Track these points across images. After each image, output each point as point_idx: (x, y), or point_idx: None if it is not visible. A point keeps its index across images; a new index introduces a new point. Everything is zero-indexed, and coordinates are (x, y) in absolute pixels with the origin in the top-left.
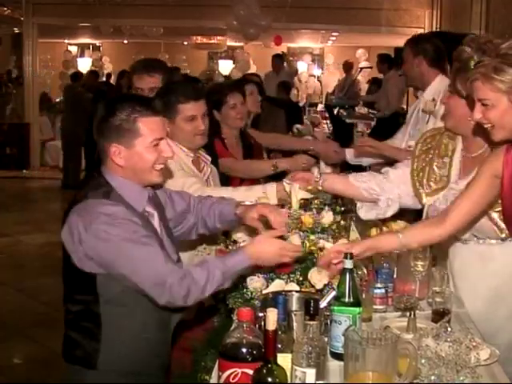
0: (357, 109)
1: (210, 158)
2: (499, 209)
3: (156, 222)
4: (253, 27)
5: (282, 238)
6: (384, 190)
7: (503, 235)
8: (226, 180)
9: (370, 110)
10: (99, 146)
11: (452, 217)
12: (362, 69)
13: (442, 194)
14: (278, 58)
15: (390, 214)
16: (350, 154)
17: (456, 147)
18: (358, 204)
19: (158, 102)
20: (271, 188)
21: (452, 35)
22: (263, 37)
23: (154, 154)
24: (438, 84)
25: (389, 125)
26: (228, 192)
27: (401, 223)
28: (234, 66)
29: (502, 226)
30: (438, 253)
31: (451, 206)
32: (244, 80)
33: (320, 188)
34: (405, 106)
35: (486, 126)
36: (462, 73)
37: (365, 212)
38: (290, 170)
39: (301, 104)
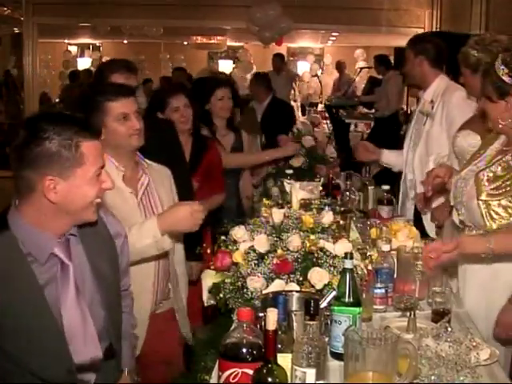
0: (356, 109)
1: (147, 162)
2: (495, 199)
3: (69, 273)
4: (271, 30)
5: None
6: None
7: (489, 226)
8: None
9: (367, 110)
10: (18, 177)
11: None
12: (361, 69)
13: (464, 172)
14: (279, 58)
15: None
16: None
17: (498, 139)
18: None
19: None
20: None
21: (452, 35)
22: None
23: (96, 186)
24: (438, 85)
25: (388, 125)
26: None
27: (400, 223)
28: (234, 65)
29: (494, 216)
30: None
31: None
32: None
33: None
34: (405, 106)
35: None
36: (489, 76)
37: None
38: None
39: (298, 103)
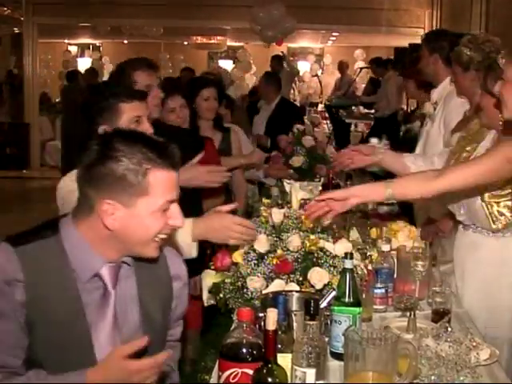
0: (356, 109)
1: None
2: (500, 200)
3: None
4: (275, 29)
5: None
6: None
7: (495, 226)
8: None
9: (367, 110)
10: (81, 192)
11: (449, 175)
12: (361, 69)
13: None
14: (277, 60)
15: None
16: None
17: (489, 136)
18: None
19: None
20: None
21: (452, 35)
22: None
23: (161, 221)
24: (444, 86)
25: (387, 124)
26: None
27: (400, 223)
28: (233, 66)
29: (498, 216)
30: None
31: (452, 166)
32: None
33: (377, 160)
34: (404, 106)
35: (501, 101)
36: (492, 71)
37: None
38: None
39: (297, 103)
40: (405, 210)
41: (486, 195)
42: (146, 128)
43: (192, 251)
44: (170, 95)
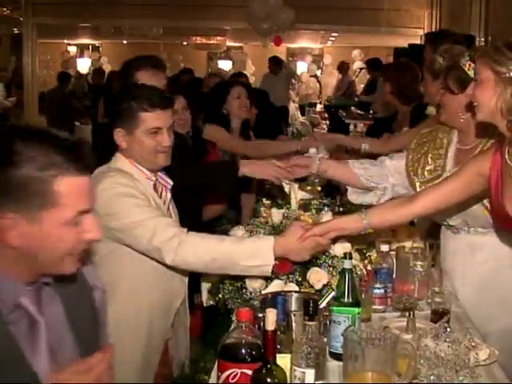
0: (355, 109)
1: (170, 182)
2: None
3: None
4: (270, 22)
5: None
6: (381, 177)
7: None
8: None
9: (361, 112)
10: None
11: (422, 200)
12: (361, 69)
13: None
14: (274, 61)
15: (383, 201)
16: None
17: (452, 140)
18: (349, 189)
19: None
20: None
21: (453, 35)
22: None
23: (73, 233)
24: None
25: (386, 124)
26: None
27: None
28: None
29: None
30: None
31: (424, 190)
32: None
33: (316, 172)
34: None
35: (474, 104)
36: (453, 70)
37: (357, 196)
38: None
39: (296, 104)
40: None
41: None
42: (164, 140)
43: (269, 270)
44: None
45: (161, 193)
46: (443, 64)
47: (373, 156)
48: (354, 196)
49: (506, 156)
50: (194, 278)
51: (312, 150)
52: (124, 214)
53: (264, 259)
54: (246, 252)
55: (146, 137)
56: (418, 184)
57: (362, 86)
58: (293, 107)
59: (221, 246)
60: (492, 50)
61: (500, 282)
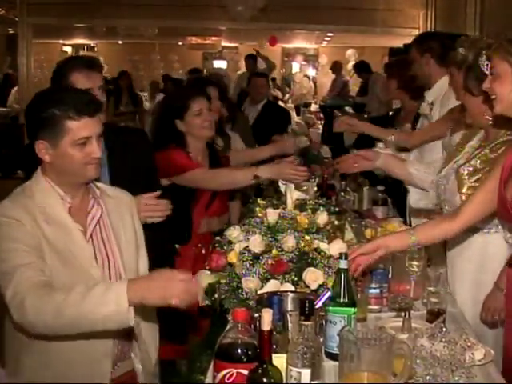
0: (348, 109)
1: (100, 188)
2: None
3: None
4: (245, 4)
5: None
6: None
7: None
8: (193, 194)
9: (352, 111)
10: None
11: (465, 210)
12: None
13: (444, 170)
14: (250, 58)
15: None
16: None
17: (476, 135)
18: (411, 190)
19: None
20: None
21: (448, 36)
22: (258, 37)
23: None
24: (441, 86)
25: (381, 124)
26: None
27: (395, 223)
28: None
29: None
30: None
31: (465, 202)
32: (203, 81)
33: (379, 165)
34: (399, 104)
35: (492, 98)
36: (472, 71)
37: (416, 201)
38: (273, 179)
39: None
40: (400, 212)
41: (465, 187)
42: (94, 151)
43: (128, 319)
44: (194, 97)
45: (90, 209)
46: (465, 54)
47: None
48: (412, 201)
49: None
50: None
51: (380, 145)
52: None
53: (115, 302)
54: (94, 300)
55: (73, 149)
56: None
57: (357, 86)
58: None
59: (64, 298)
60: (506, 43)
61: (487, 281)
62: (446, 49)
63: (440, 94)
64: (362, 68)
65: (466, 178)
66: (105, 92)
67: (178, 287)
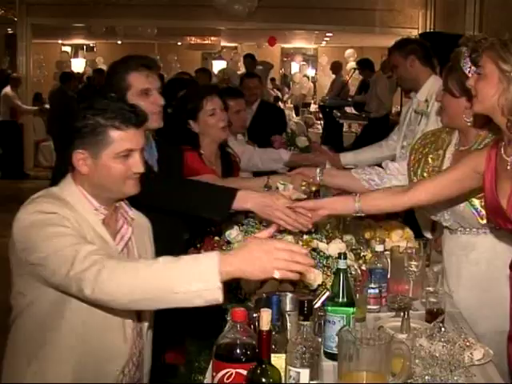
0: (347, 109)
1: (132, 216)
2: (480, 194)
3: None
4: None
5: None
6: (383, 180)
7: (483, 221)
8: None
9: (355, 112)
10: None
11: (418, 189)
12: (355, 69)
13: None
14: (248, 57)
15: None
16: (344, 158)
17: (451, 141)
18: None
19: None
20: None
21: (446, 36)
22: (257, 37)
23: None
24: (431, 85)
25: (380, 125)
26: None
27: (394, 223)
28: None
29: (483, 212)
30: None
31: (419, 181)
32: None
33: (319, 182)
34: (399, 107)
35: (473, 94)
36: (454, 72)
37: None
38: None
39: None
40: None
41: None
42: (136, 165)
43: (217, 295)
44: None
45: (120, 228)
46: (468, 52)
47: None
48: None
49: (502, 150)
50: None
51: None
52: (41, 244)
53: (206, 282)
54: (183, 274)
55: (115, 161)
56: None
57: (356, 86)
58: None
59: (149, 268)
60: (499, 45)
61: (492, 283)
62: (427, 49)
63: (432, 91)
64: (365, 65)
65: None
66: (162, 95)
67: (282, 257)
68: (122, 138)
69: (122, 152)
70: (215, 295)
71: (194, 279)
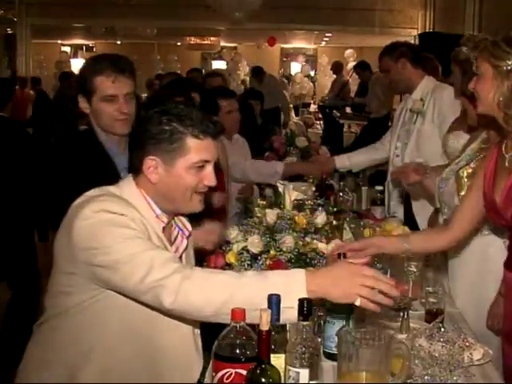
0: (347, 109)
1: (189, 228)
2: None
3: None
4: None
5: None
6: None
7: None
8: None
9: (355, 112)
10: None
11: (457, 221)
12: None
13: (445, 172)
14: (256, 71)
15: None
16: (339, 162)
17: (479, 136)
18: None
19: None
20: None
21: (445, 36)
22: (257, 37)
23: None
24: (425, 85)
25: (380, 125)
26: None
27: (394, 223)
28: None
29: None
30: None
31: (454, 212)
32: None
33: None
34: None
35: (476, 96)
36: (467, 76)
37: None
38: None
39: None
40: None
41: (464, 190)
42: (209, 178)
43: (292, 316)
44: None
45: (175, 238)
46: (468, 53)
47: None
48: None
49: (503, 147)
50: None
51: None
52: (110, 246)
53: (292, 303)
54: (272, 291)
55: (188, 171)
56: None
57: (356, 86)
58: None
59: (237, 281)
60: (490, 44)
61: (484, 284)
62: (417, 52)
63: (426, 90)
64: (363, 67)
65: (466, 180)
66: (135, 101)
67: (368, 283)
68: (199, 148)
69: (198, 163)
70: (293, 315)
71: (283, 298)
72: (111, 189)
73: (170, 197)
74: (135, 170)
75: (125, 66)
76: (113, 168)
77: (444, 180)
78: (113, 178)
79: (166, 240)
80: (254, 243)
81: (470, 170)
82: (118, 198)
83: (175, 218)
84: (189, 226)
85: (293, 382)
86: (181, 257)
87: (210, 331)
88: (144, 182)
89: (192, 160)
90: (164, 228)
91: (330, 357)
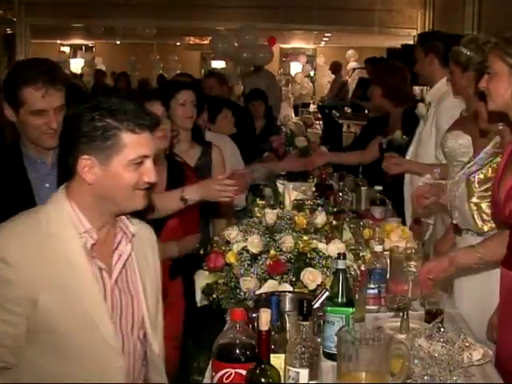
0: (346, 109)
1: (132, 231)
2: (489, 200)
3: None
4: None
5: None
6: None
7: (480, 227)
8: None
9: (354, 112)
10: None
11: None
12: (354, 70)
13: (457, 176)
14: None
15: None
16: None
17: (492, 140)
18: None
19: None
20: None
21: (451, 37)
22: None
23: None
24: (440, 88)
25: (379, 125)
26: None
27: (393, 223)
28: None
29: (485, 217)
30: None
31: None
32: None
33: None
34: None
35: (486, 94)
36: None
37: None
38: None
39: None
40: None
41: (475, 196)
42: (150, 174)
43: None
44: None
45: (118, 243)
46: (470, 55)
47: None
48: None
49: None
50: (189, 279)
51: (428, 176)
52: None
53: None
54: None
55: (126, 169)
56: None
57: (355, 86)
58: (285, 106)
59: None
60: (502, 41)
61: (488, 288)
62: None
63: (437, 96)
64: (375, 63)
65: (477, 186)
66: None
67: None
68: (136, 143)
69: (136, 159)
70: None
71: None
72: (41, 209)
73: (109, 197)
74: (69, 172)
75: (56, 76)
76: (29, 197)
77: (456, 183)
78: (26, 207)
79: (102, 253)
80: (254, 243)
81: (481, 176)
82: (24, 221)
83: (119, 220)
84: (131, 227)
85: (292, 381)
86: (127, 261)
87: (207, 329)
88: (79, 185)
89: (129, 157)
90: (93, 245)
91: (330, 357)
